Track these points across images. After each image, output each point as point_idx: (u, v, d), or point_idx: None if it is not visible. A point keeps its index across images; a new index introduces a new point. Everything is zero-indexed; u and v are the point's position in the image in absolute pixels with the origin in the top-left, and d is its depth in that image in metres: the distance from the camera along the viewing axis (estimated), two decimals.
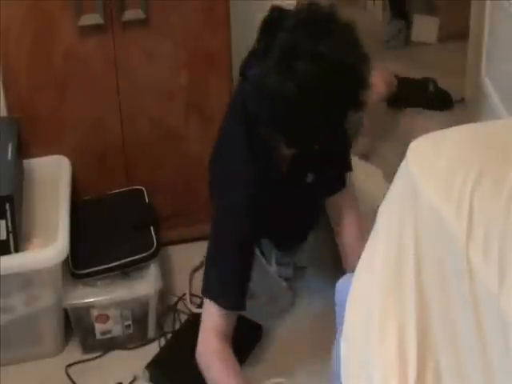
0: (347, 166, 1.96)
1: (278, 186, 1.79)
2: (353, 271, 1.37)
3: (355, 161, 2.13)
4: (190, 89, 2.12)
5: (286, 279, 2.09)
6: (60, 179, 2.06)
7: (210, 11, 2.04)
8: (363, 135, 2.33)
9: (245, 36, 1.81)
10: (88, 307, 1.93)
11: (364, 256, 1.35)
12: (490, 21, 2.43)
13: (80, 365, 1.95)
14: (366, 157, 2.36)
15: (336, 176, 1.94)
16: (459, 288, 1.12)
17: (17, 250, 1.85)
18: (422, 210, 1.20)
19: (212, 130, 1.91)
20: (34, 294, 1.89)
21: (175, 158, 2.20)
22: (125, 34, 2.02)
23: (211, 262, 1.79)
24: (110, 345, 1.99)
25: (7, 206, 1.80)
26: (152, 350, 1.96)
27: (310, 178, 1.86)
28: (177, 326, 2.03)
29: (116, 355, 1.99)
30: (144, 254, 1.96)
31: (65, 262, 1.90)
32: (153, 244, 1.99)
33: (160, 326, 2.03)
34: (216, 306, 1.73)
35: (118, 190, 2.18)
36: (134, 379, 1.89)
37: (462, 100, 2.79)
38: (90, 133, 2.13)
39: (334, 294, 1.47)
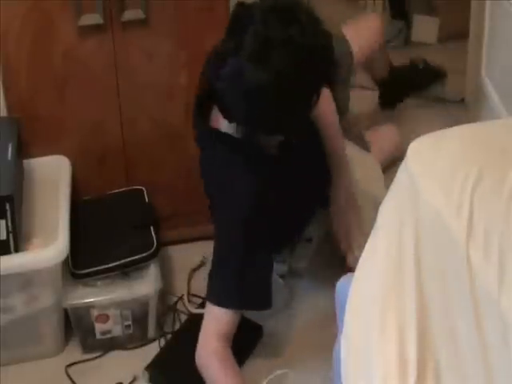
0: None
1: (275, 177, 1.80)
2: (353, 271, 1.38)
3: (355, 152, 2.16)
4: (190, 89, 2.11)
5: (282, 276, 2.09)
6: (60, 179, 2.06)
7: (210, 11, 2.04)
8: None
9: None
10: (88, 307, 1.93)
11: (364, 256, 1.35)
12: (490, 21, 2.43)
13: (80, 365, 1.95)
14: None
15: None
16: (459, 287, 1.12)
17: (17, 250, 1.85)
18: (422, 210, 1.20)
19: None
20: (34, 294, 1.89)
21: (175, 158, 2.20)
22: (125, 34, 2.02)
23: (218, 267, 1.80)
24: (110, 345, 1.99)
25: (7, 206, 1.80)
26: (152, 350, 1.96)
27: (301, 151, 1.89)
28: (177, 326, 2.03)
29: (116, 355, 1.98)
30: (144, 254, 1.96)
31: (65, 262, 1.89)
32: (153, 244, 1.99)
33: (160, 326, 2.02)
34: (222, 308, 1.74)
35: (117, 190, 2.18)
36: (134, 379, 1.89)
37: (462, 100, 2.79)
38: (90, 133, 2.13)
39: (334, 294, 1.47)
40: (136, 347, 1.99)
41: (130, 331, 1.99)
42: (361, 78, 2.69)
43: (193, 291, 2.13)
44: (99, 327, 1.96)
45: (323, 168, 2.00)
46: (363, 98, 2.77)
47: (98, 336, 1.97)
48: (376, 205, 1.36)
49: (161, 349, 1.96)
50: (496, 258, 1.07)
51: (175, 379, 1.87)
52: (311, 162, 1.95)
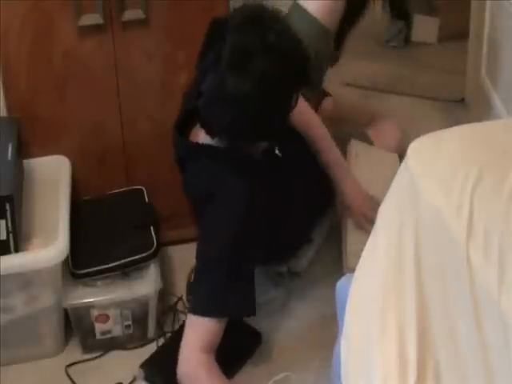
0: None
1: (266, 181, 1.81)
2: (353, 271, 1.38)
3: (361, 146, 2.16)
4: None
5: (281, 276, 2.09)
6: (60, 179, 2.06)
7: (210, 11, 2.04)
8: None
9: None
10: (88, 307, 1.93)
11: (364, 256, 1.35)
12: (490, 21, 2.43)
13: (80, 365, 1.95)
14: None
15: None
16: (459, 287, 1.12)
17: (17, 250, 1.85)
18: (422, 210, 1.20)
19: None
20: (34, 294, 1.89)
21: None
22: (125, 34, 2.02)
23: (203, 276, 1.80)
24: (110, 345, 1.99)
25: (7, 206, 1.80)
26: (152, 350, 1.96)
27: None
28: (176, 326, 2.03)
29: (116, 355, 1.98)
30: (144, 254, 1.96)
31: (65, 262, 1.90)
32: (153, 244, 1.99)
33: (160, 326, 2.02)
34: (206, 318, 1.73)
35: (117, 190, 2.18)
36: (134, 379, 1.89)
37: (462, 100, 2.79)
38: (90, 133, 2.13)
39: (333, 294, 1.47)
40: (136, 347, 1.99)
41: (130, 331, 1.99)
42: None
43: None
44: (99, 327, 1.96)
45: (316, 173, 2.02)
46: None
47: (98, 336, 1.97)
48: None
49: (157, 348, 1.96)
50: (496, 258, 1.07)
51: (170, 377, 1.86)
52: (302, 167, 1.98)
